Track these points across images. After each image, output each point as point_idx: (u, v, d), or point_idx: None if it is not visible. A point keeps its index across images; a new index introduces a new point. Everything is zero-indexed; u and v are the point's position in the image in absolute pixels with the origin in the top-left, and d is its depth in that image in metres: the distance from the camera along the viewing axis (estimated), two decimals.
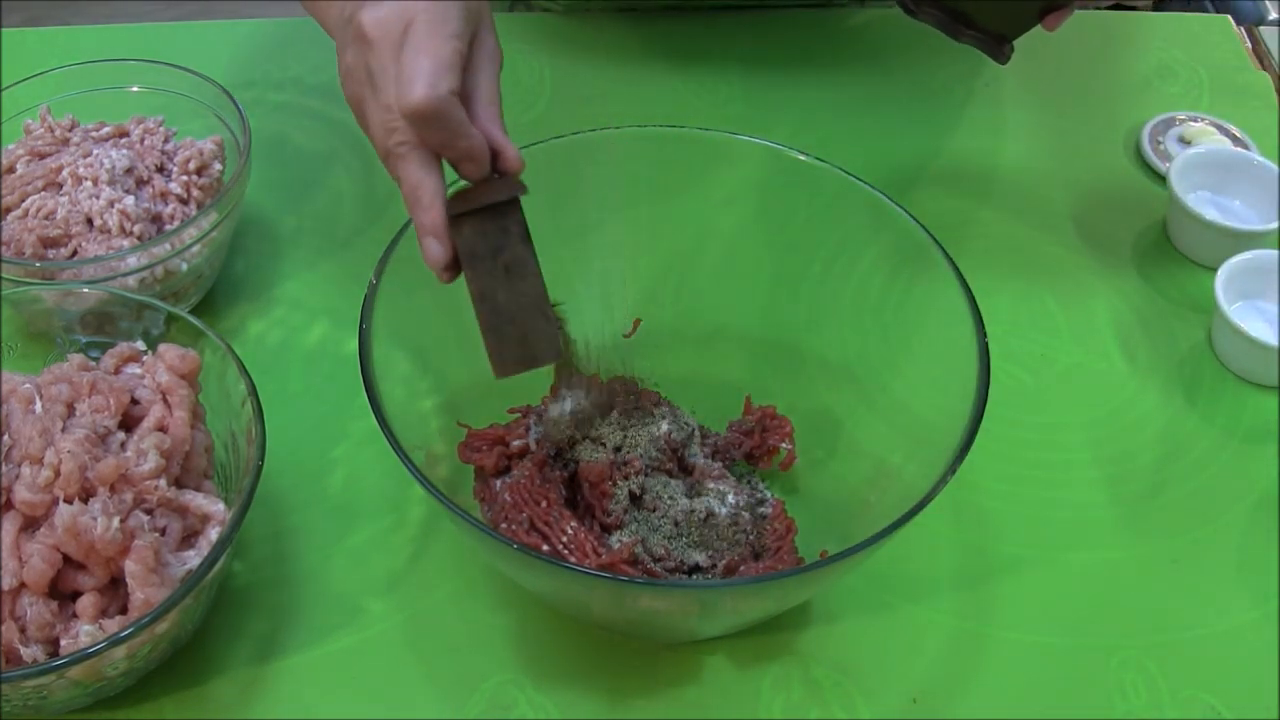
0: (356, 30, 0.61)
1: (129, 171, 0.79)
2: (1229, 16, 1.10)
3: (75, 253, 0.76)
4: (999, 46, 0.78)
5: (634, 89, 1.00)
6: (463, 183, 0.63)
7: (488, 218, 0.62)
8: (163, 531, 0.63)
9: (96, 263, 0.74)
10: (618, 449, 0.67)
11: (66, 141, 0.81)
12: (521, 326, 0.62)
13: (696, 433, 0.72)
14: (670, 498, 0.67)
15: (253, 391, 0.66)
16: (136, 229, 0.77)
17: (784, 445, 0.73)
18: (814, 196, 0.74)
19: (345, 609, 0.69)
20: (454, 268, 0.62)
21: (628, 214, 0.77)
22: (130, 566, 0.60)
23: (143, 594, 0.60)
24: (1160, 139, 0.97)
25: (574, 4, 1.06)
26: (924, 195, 0.93)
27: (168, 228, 0.79)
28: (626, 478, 0.67)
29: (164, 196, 0.80)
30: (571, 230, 0.75)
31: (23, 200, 0.78)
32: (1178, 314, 0.86)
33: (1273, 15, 1.03)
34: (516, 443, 0.69)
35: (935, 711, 0.66)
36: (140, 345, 0.69)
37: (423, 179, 0.61)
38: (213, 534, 0.64)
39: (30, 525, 0.61)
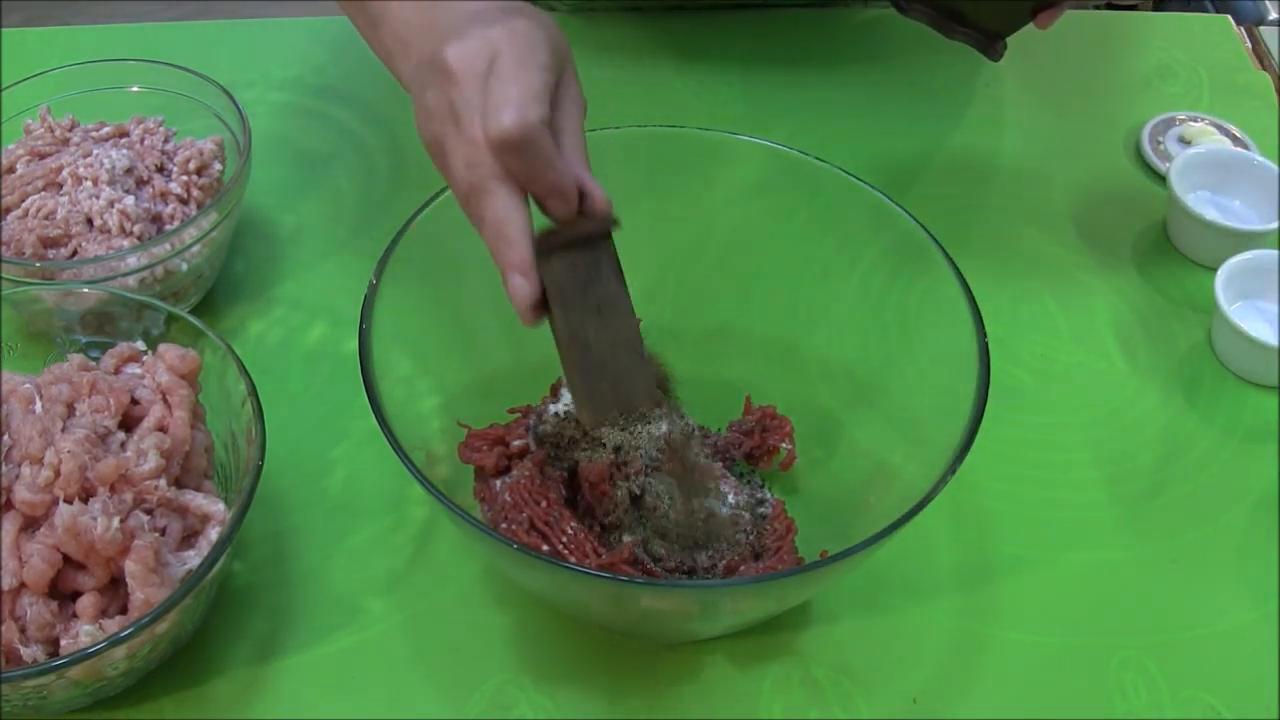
0: (440, 67, 0.58)
1: (129, 171, 0.79)
2: (1229, 16, 1.10)
3: (75, 253, 0.76)
4: (992, 44, 0.78)
5: (634, 89, 1.00)
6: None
7: (579, 252, 0.59)
8: (163, 531, 0.63)
9: (96, 263, 0.74)
10: (618, 449, 0.67)
11: (66, 141, 0.81)
12: (615, 368, 0.59)
13: (696, 433, 0.72)
14: (670, 498, 0.67)
15: (253, 391, 0.66)
16: (136, 229, 0.77)
17: (784, 445, 0.73)
18: (814, 196, 0.74)
19: (345, 609, 0.69)
20: (540, 308, 0.59)
21: (627, 214, 0.77)
22: (130, 566, 0.60)
23: (143, 594, 0.60)
24: (1160, 139, 0.97)
25: (579, 4, 1.06)
26: (924, 195, 0.93)
27: (168, 228, 0.79)
28: (627, 478, 0.66)
29: (164, 196, 0.80)
30: None
31: (23, 200, 0.78)
32: (1178, 314, 0.86)
33: (1273, 15, 1.03)
34: (516, 443, 0.68)
35: (935, 711, 0.66)
36: (140, 345, 0.69)
37: (509, 213, 0.58)
38: (213, 534, 0.64)
39: (30, 525, 0.61)
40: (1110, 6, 1.65)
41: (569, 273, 0.59)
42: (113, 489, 0.61)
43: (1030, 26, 0.78)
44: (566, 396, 0.70)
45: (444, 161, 0.60)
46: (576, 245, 0.59)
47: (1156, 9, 1.61)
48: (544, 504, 0.64)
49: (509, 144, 0.56)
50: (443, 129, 0.59)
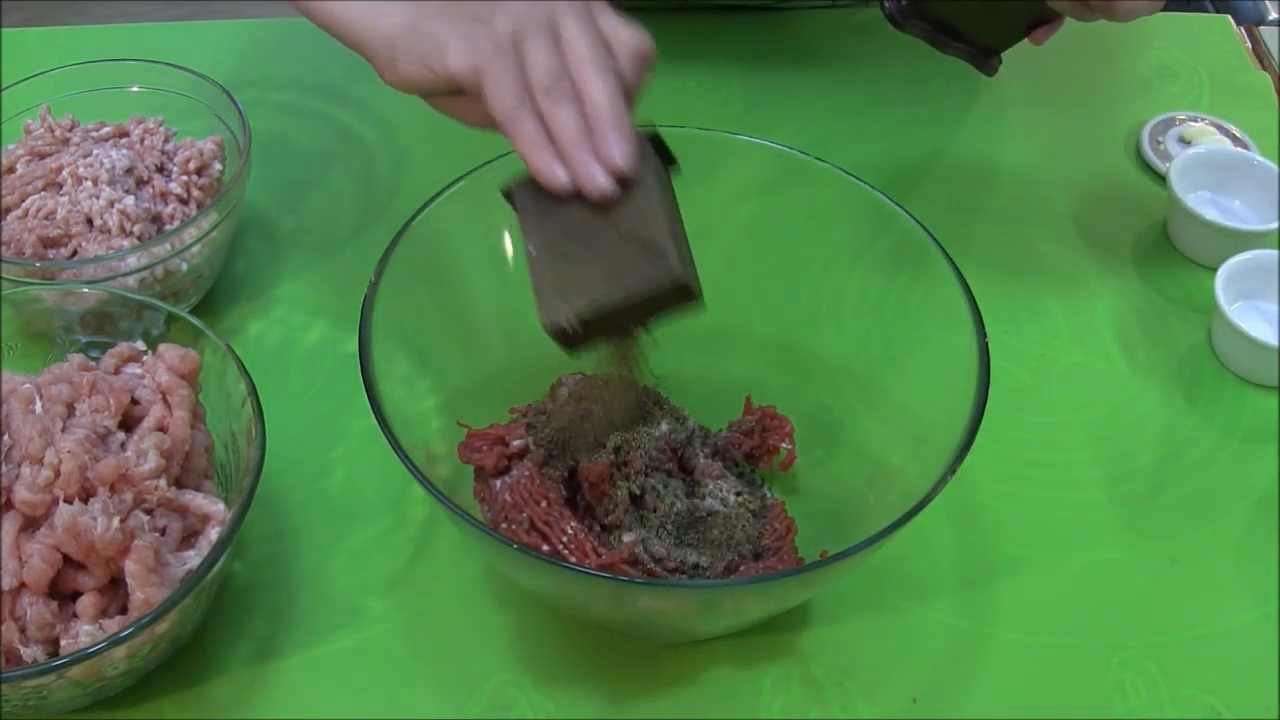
0: None
1: (129, 171, 0.79)
2: (1229, 16, 1.10)
3: (75, 253, 0.76)
4: (986, 60, 0.79)
5: None
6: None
7: (647, 145, 0.62)
8: (163, 531, 0.63)
9: (96, 263, 0.74)
10: (618, 449, 0.67)
11: (66, 141, 0.81)
12: (681, 242, 0.60)
13: (696, 433, 0.72)
14: (670, 498, 0.67)
15: (253, 391, 0.66)
16: (136, 229, 0.77)
17: (784, 445, 0.73)
18: (814, 196, 0.74)
19: (345, 609, 0.69)
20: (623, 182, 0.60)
21: None
22: (130, 566, 0.60)
23: (143, 594, 0.60)
24: (1160, 139, 0.97)
25: None
26: (924, 195, 0.93)
27: (168, 228, 0.79)
28: (627, 478, 0.67)
29: (164, 196, 0.80)
30: None
31: (23, 200, 0.78)
32: (1178, 314, 0.86)
33: (1273, 15, 1.03)
34: (516, 443, 0.68)
35: (935, 711, 0.66)
36: (140, 345, 0.69)
37: (620, 92, 0.61)
38: (213, 534, 0.64)
39: (30, 525, 0.61)
40: None
41: (643, 144, 0.62)
42: (113, 489, 0.61)
43: (1025, 42, 0.78)
44: (565, 395, 0.70)
45: (542, 37, 0.62)
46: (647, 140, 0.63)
47: None
48: (544, 504, 0.64)
49: (651, 56, 0.63)
50: (553, 12, 0.63)
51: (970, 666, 0.68)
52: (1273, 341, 0.80)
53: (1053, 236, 0.91)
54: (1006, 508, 0.75)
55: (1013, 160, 0.97)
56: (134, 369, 0.68)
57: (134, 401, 0.66)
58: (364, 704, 0.65)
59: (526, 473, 0.66)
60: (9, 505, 0.60)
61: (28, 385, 0.64)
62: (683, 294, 0.59)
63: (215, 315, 0.82)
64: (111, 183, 0.77)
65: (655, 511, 0.67)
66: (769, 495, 0.72)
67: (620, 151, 0.59)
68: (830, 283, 0.75)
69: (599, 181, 0.59)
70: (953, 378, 0.65)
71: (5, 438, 0.62)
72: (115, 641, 0.57)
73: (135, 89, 0.85)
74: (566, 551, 0.63)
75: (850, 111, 0.99)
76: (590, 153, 0.59)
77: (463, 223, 0.72)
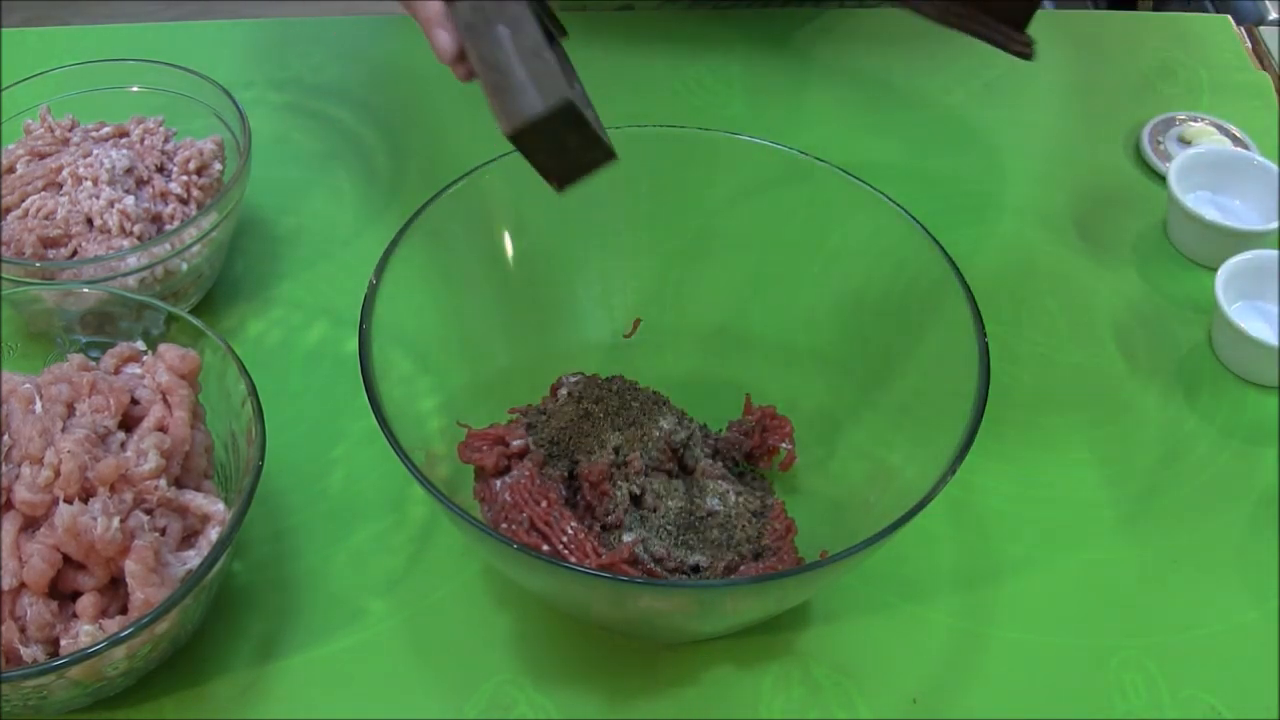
0: None
1: (129, 171, 0.79)
2: (1229, 16, 1.10)
3: (75, 253, 0.76)
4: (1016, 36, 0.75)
5: (633, 89, 1.00)
6: None
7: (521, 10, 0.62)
8: (163, 531, 0.63)
9: (96, 263, 0.74)
10: (617, 449, 0.67)
11: (66, 141, 0.81)
12: (524, 76, 0.61)
13: (697, 433, 0.72)
14: (670, 498, 0.67)
15: (253, 391, 0.66)
16: (136, 229, 0.77)
17: (784, 445, 0.73)
18: (814, 196, 0.74)
19: (345, 609, 0.69)
20: (464, 58, 0.64)
21: (628, 214, 0.77)
22: (130, 566, 0.60)
23: (143, 594, 0.60)
24: (1160, 139, 0.97)
25: (574, 3, 1.06)
26: (924, 195, 0.92)
27: (168, 228, 0.79)
28: (627, 478, 0.67)
29: (164, 196, 0.80)
30: (572, 230, 0.75)
31: (23, 200, 0.78)
32: (1178, 314, 0.86)
33: (1273, 15, 1.03)
34: (516, 443, 0.69)
35: (935, 711, 0.66)
36: (140, 345, 0.69)
37: None
38: (213, 534, 0.64)
39: (30, 525, 0.61)
40: (1111, 6, 1.64)
41: (473, 10, 0.62)
42: (113, 489, 0.61)
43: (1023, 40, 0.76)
44: (565, 395, 0.71)
45: None
46: None
47: (1156, 9, 1.61)
48: (544, 504, 0.64)
49: None
50: None
51: (970, 666, 0.68)
52: (1273, 341, 0.80)
53: (1053, 236, 0.91)
54: (1006, 508, 0.75)
55: (1012, 160, 0.97)
56: (134, 369, 0.68)
57: (134, 401, 0.66)
58: (364, 704, 0.65)
59: (526, 473, 0.66)
60: (9, 505, 0.60)
61: (28, 385, 0.64)
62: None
63: (215, 315, 0.82)
64: (111, 183, 0.77)
65: (655, 511, 0.67)
66: (769, 495, 0.72)
67: (440, 46, 0.64)
68: (830, 283, 0.75)
69: (457, 74, 0.65)
70: (953, 378, 0.65)
71: (5, 438, 0.62)
72: (115, 641, 0.57)
73: (135, 89, 0.85)
74: (566, 551, 0.63)
75: (850, 111, 0.99)
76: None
77: (462, 223, 0.72)
